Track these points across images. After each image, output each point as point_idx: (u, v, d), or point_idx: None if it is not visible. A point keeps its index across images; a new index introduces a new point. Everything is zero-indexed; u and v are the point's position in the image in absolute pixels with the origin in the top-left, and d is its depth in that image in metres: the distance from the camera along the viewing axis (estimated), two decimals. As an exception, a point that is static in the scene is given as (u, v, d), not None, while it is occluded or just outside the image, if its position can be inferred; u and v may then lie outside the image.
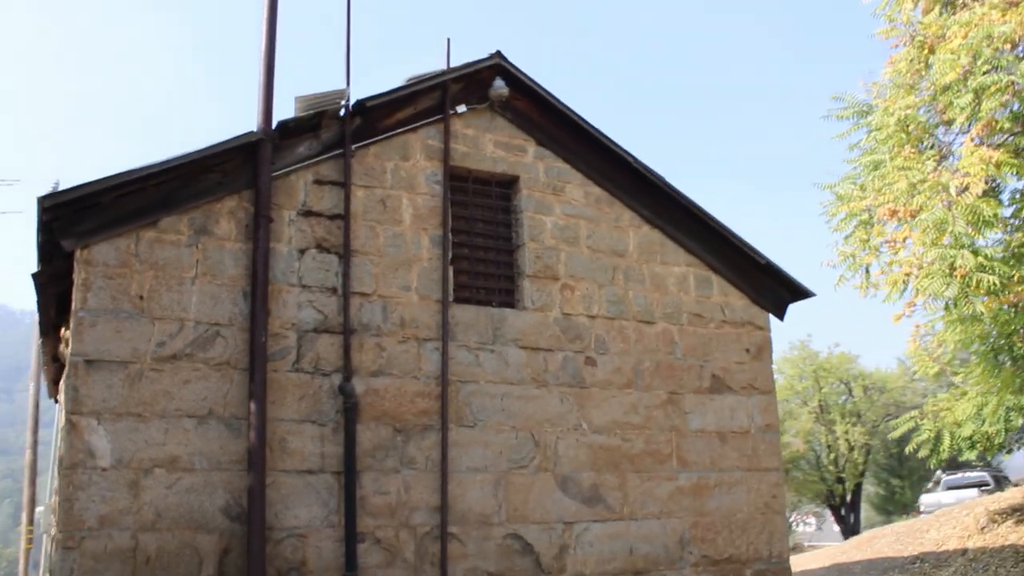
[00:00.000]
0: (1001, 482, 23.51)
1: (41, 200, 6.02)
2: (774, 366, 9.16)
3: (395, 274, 7.22)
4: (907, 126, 8.52)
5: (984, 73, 7.60)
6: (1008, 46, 7.56)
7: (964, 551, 12.15)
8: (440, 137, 7.67)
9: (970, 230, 7.46)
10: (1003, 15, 7.46)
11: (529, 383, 7.55)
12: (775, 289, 9.07)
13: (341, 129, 7.19)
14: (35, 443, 17.59)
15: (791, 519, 36.43)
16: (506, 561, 7.12)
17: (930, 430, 11.45)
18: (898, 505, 34.60)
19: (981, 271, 7.19)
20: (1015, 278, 7.70)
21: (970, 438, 11.06)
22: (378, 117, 7.39)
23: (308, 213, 7.00)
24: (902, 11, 8.80)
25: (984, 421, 10.68)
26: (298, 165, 7.00)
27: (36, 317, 9.57)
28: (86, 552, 5.76)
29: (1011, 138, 8.09)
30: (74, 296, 6.15)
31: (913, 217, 7.93)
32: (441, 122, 7.68)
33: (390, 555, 6.68)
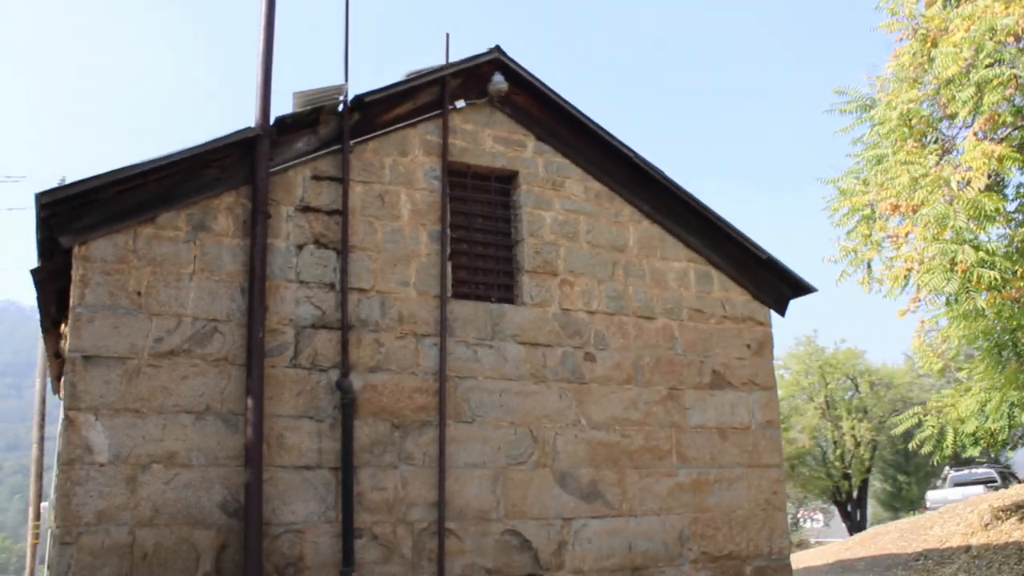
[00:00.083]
0: (1008, 479, 23.39)
1: (39, 196, 6.03)
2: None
3: (393, 270, 7.22)
4: (910, 120, 8.48)
5: (986, 66, 7.55)
6: (1011, 39, 7.52)
7: (968, 548, 12.10)
8: (439, 132, 7.65)
9: (972, 225, 7.41)
10: (1006, 8, 7.40)
11: (528, 379, 7.54)
12: (776, 285, 9.03)
13: (339, 125, 7.18)
14: (41, 439, 17.65)
15: (798, 515, 36.36)
16: (504, 557, 7.11)
17: (933, 426, 11.41)
18: (905, 501, 34.50)
19: (982, 266, 7.14)
20: (1018, 273, 7.65)
21: (973, 434, 11.00)
22: (376, 112, 7.38)
23: (306, 209, 6.99)
24: (905, 4, 8.74)
25: (987, 418, 10.62)
26: (296, 161, 7.00)
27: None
28: (83, 547, 5.77)
29: (1014, 132, 8.03)
30: (72, 292, 6.16)
31: (915, 212, 7.89)
32: (440, 117, 7.66)
33: (387, 551, 6.69)
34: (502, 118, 8.00)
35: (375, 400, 6.89)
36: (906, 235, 8.32)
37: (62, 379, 6.93)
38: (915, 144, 8.48)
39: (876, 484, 36.30)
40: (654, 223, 8.53)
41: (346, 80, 7.22)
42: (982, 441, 11.17)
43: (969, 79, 7.63)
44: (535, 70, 8.00)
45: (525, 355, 7.58)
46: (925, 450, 11.66)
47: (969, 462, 23.91)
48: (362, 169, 7.28)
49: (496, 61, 7.85)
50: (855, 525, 29.83)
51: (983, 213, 7.39)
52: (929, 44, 8.35)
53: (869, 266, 8.81)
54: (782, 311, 9.09)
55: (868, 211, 8.84)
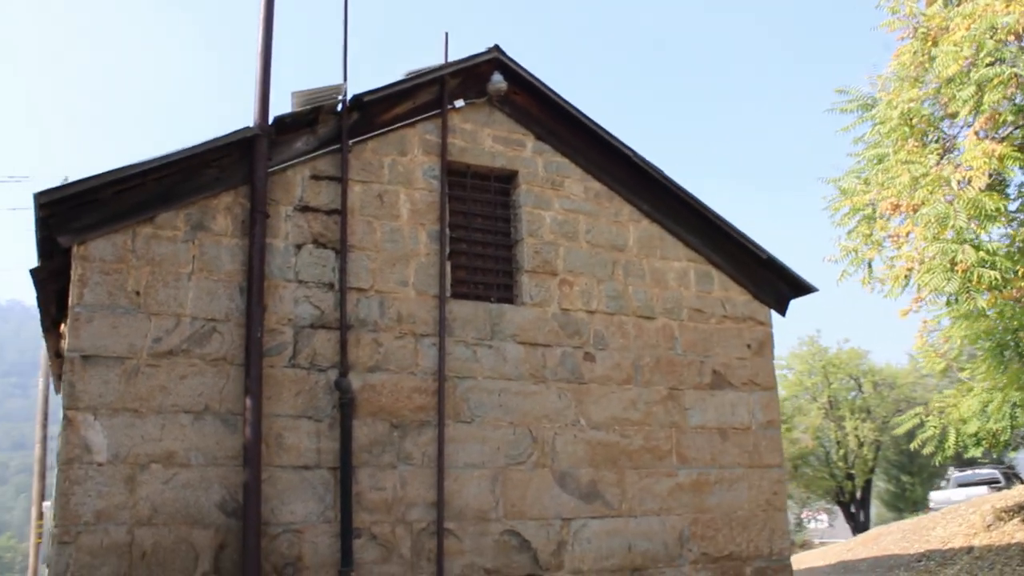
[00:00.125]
0: (1011, 479, 23.33)
1: (37, 196, 6.04)
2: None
3: (392, 269, 7.22)
4: (910, 119, 8.46)
5: (987, 65, 7.53)
6: (1011, 38, 7.49)
7: (970, 549, 12.07)
8: (438, 132, 7.65)
9: (972, 224, 7.39)
10: (1006, 6, 7.38)
11: (527, 379, 7.53)
12: (776, 284, 9.01)
13: (338, 124, 7.18)
14: (44, 438, 17.66)
15: (802, 516, 36.30)
16: (503, 557, 7.10)
17: (935, 427, 11.37)
18: (908, 502, 34.40)
19: (982, 266, 7.12)
20: (1019, 273, 7.63)
21: (975, 435, 10.97)
22: (375, 112, 7.37)
23: (305, 208, 7.00)
24: (905, 3, 8.72)
25: (989, 418, 10.59)
26: (295, 160, 7.00)
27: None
28: (82, 547, 5.78)
29: (1015, 131, 8.00)
30: (71, 292, 6.17)
31: (915, 211, 7.87)
32: (439, 117, 7.66)
33: (386, 551, 6.68)
34: (501, 117, 8.00)
35: (374, 400, 6.89)
36: (907, 235, 8.31)
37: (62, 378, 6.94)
38: (916, 143, 8.46)
39: (880, 485, 36.20)
40: (654, 222, 8.52)
41: (345, 80, 7.22)
42: (984, 442, 11.13)
43: (970, 78, 7.61)
44: (534, 70, 8.00)
45: (524, 355, 7.57)
46: (927, 451, 11.63)
47: (973, 463, 23.83)
48: (361, 169, 7.28)
49: (495, 60, 7.85)
50: (859, 526, 29.75)
51: (984, 213, 7.37)
52: (930, 43, 8.33)
53: (870, 266, 8.80)
54: (783, 311, 9.07)
55: (869, 211, 8.82)
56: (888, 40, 9.04)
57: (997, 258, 7.40)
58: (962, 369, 11.70)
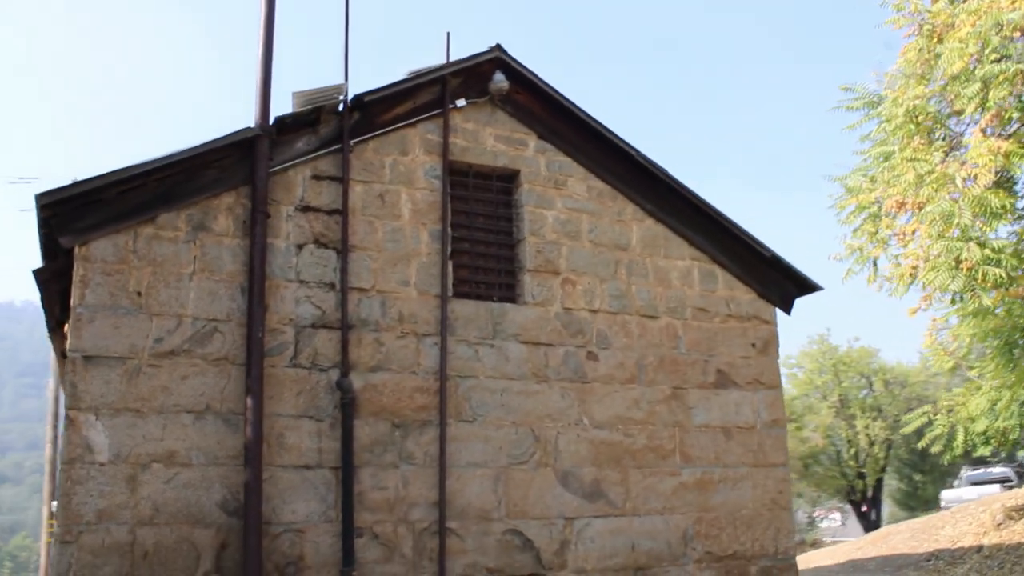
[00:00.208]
0: (1024, 478, 23.17)
1: (39, 197, 6.06)
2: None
3: (394, 269, 7.21)
4: (916, 117, 8.40)
5: (993, 62, 7.47)
6: (1017, 34, 7.43)
7: (979, 548, 11.98)
8: (439, 131, 7.64)
9: (978, 222, 7.33)
10: (1012, 3, 7.32)
11: (529, 378, 7.52)
12: (781, 283, 8.95)
13: (339, 124, 7.18)
14: (55, 438, 17.79)
15: (814, 514, 36.14)
16: (506, 557, 7.09)
17: (944, 425, 11.30)
18: (920, 501, 34.21)
19: (988, 264, 7.06)
20: (1026, 271, 7.57)
21: (984, 433, 10.89)
22: (377, 112, 7.37)
23: (306, 208, 7.00)
24: (910, 0, 8.65)
25: (998, 416, 10.51)
26: (296, 160, 7.01)
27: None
28: (84, 546, 5.80)
29: (1022, 128, 7.93)
30: (72, 292, 6.20)
31: (920, 209, 7.81)
32: (440, 116, 7.65)
33: (388, 550, 6.68)
34: (503, 117, 7.98)
35: (375, 400, 6.89)
36: (912, 232, 8.26)
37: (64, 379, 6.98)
38: (922, 141, 8.41)
39: (892, 483, 36.01)
40: (657, 221, 8.49)
41: (346, 80, 7.22)
42: (992, 440, 11.06)
43: (975, 75, 7.55)
44: (536, 69, 7.98)
45: (527, 354, 7.55)
46: (935, 449, 11.56)
47: (985, 461, 23.68)
48: (362, 169, 7.28)
49: (497, 60, 7.83)
50: (870, 524, 29.60)
51: (990, 210, 7.31)
52: (935, 40, 8.27)
53: (875, 264, 8.75)
54: (788, 309, 9.02)
55: (875, 208, 8.77)
56: (891, 39, 9.07)
57: (1004, 256, 7.34)
58: (971, 367, 11.61)
